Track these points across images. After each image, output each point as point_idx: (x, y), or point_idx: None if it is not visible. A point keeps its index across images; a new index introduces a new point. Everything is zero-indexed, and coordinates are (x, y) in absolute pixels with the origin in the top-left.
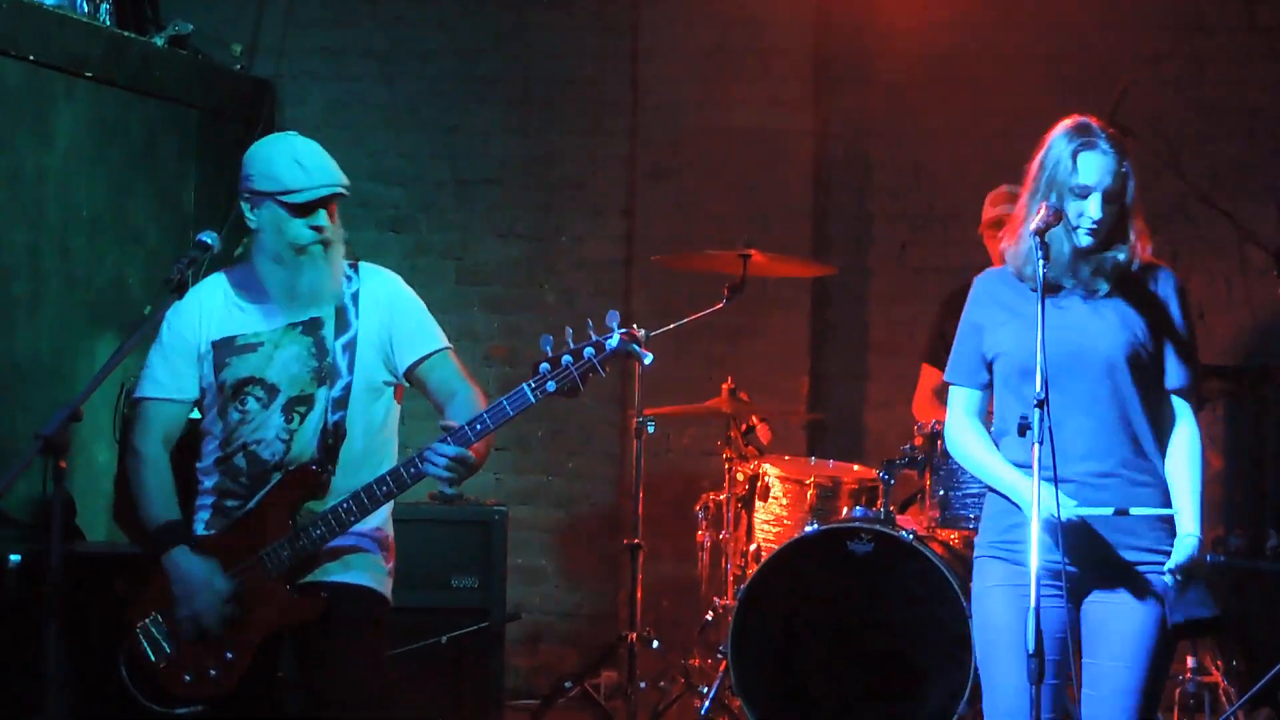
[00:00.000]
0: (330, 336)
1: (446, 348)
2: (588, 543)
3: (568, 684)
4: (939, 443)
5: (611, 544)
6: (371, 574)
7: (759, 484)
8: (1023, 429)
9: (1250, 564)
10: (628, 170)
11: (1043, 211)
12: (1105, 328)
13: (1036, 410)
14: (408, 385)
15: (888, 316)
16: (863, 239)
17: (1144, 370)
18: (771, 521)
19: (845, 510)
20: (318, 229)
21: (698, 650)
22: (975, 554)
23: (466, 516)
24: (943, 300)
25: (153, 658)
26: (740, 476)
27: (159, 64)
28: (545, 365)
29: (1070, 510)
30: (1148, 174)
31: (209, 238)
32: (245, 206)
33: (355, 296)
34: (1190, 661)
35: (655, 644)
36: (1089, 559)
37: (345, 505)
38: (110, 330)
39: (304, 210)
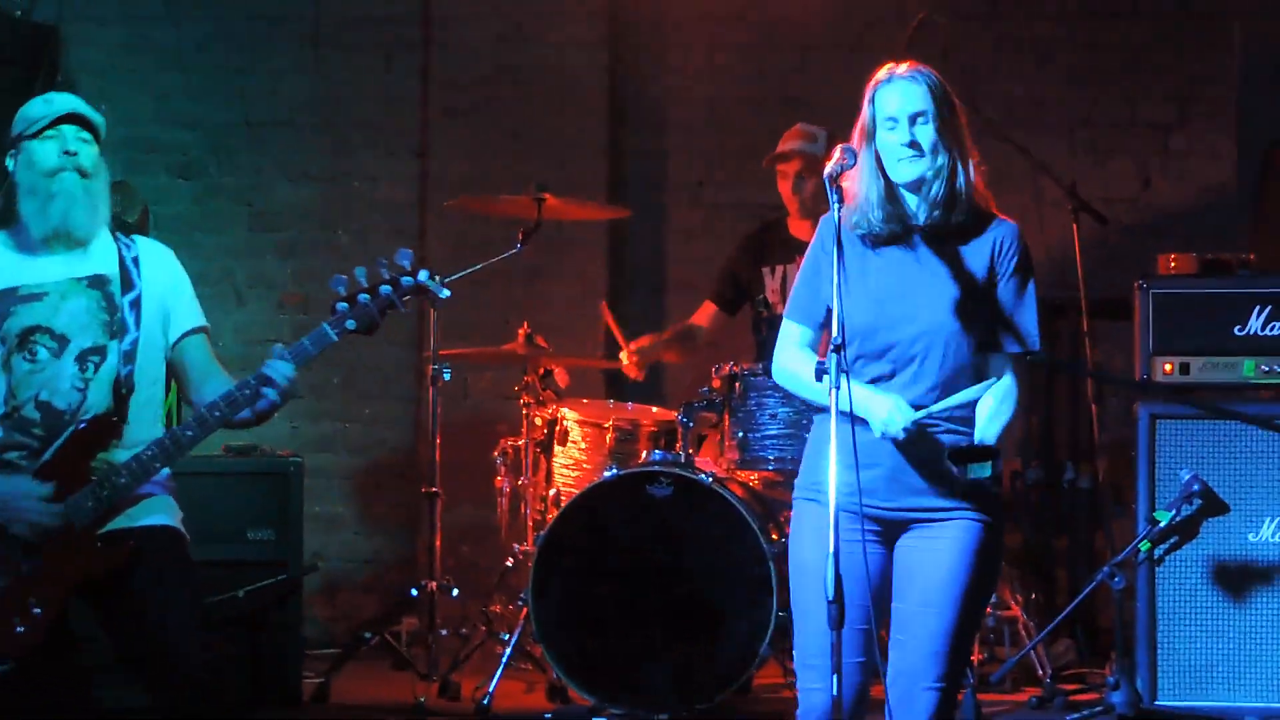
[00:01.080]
0: (117, 293)
1: (207, 326)
2: (386, 489)
3: (368, 635)
4: (736, 384)
5: (410, 490)
6: (169, 514)
7: (557, 428)
8: (819, 374)
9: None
10: (421, 111)
11: (835, 155)
12: (942, 283)
13: (834, 355)
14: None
15: (685, 255)
16: (659, 177)
17: (972, 328)
18: (571, 466)
19: (644, 453)
20: (67, 153)
21: (498, 596)
22: (794, 494)
23: (261, 468)
24: (740, 239)
25: None
26: (538, 421)
27: None
28: (343, 305)
29: (905, 418)
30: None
31: None
32: (9, 163)
33: (136, 260)
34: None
35: (455, 592)
36: (899, 502)
37: (149, 452)
38: None
39: (51, 134)
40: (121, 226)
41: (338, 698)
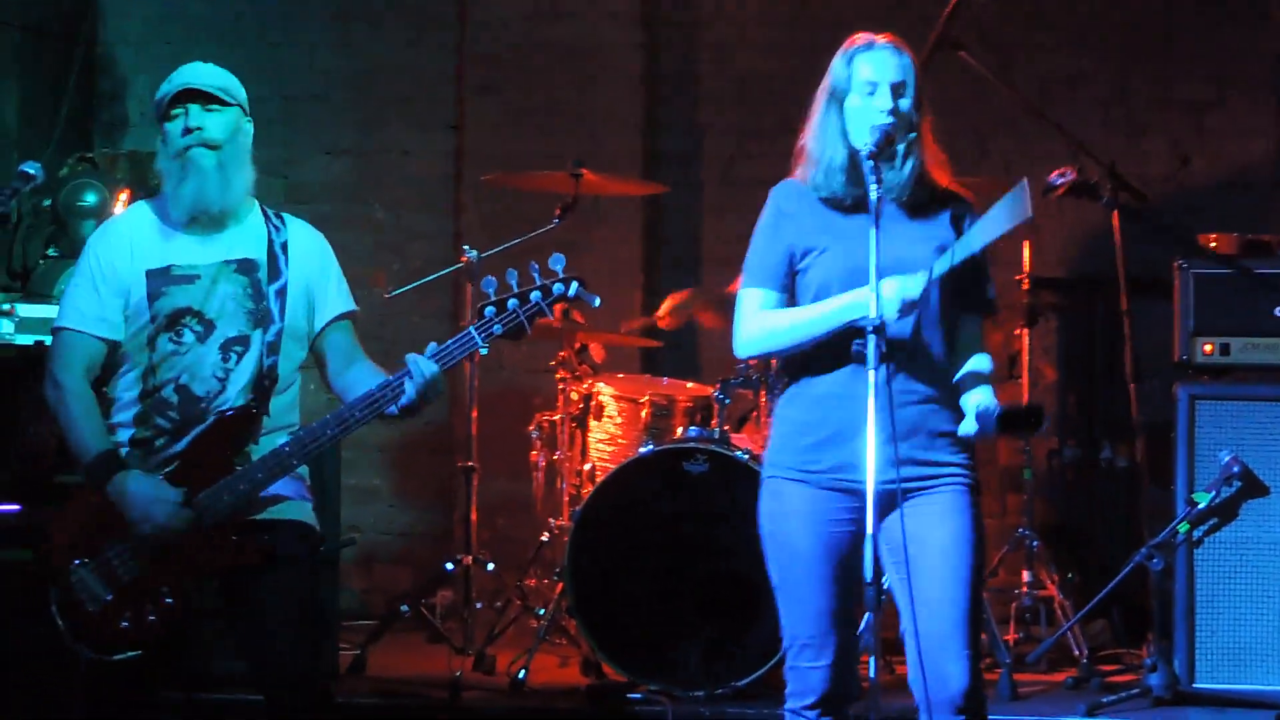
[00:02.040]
0: (264, 280)
1: (357, 311)
2: (421, 462)
3: (403, 608)
4: (773, 361)
5: (445, 463)
6: (303, 511)
7: (593, 403)
8: (859, 356)
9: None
10: (455, 85)
11: (874, 135)
12: (917, 242)
13: (872, 337)
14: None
15: (719, 230)
16: (693, 153)
17: (949, 294)
18: (606, 441)
19: (680, 429)
20: (189, 129)
21: (533, 570)
22: (766, 472)
23: None
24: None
25: (89, 607)
26: (574, 395)
27: None
28: (490, 309)
29: (914, 284)
30: (979, 86)
31: (32, 168)
32: (158, 144)
33: (284, 246)
34: (1026, 575)
35: (491, 566)
36: (888, 474)
37: (288, 449)
38: None
39: (174, 112)
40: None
41: (374, 670)
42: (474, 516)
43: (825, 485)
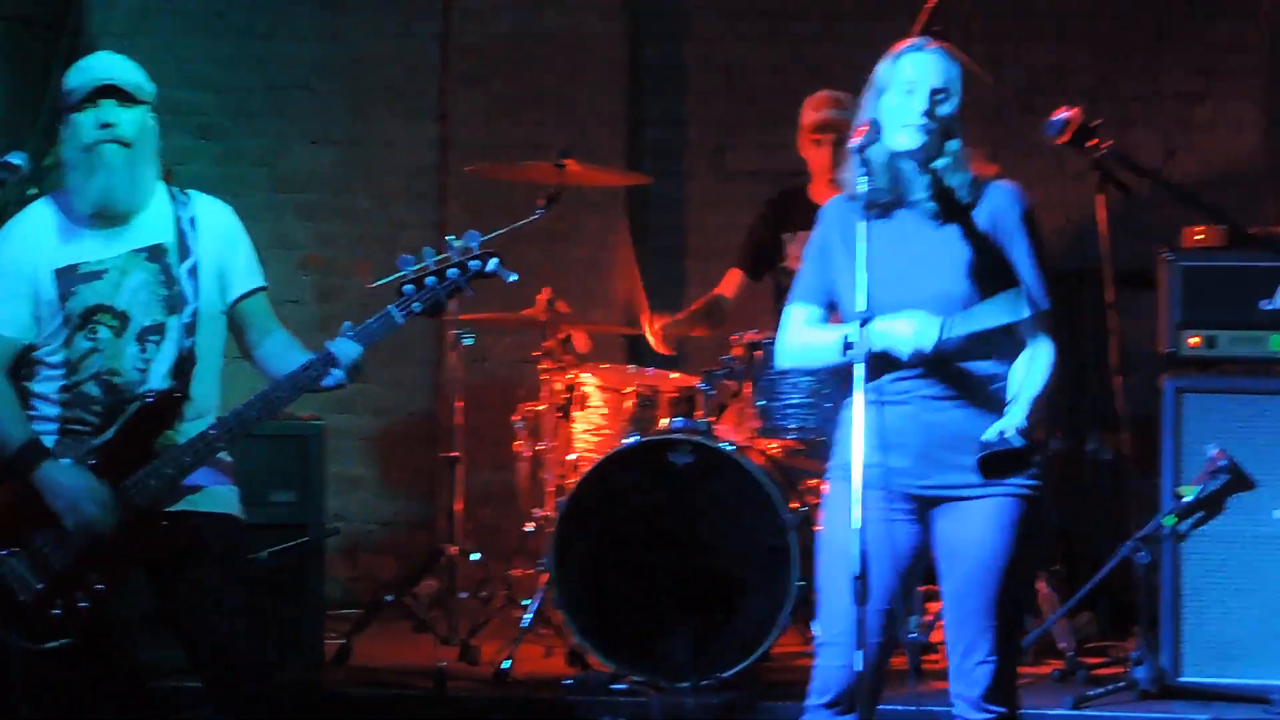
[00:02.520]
0: (175, 263)
1: (266, 286)
2: (405, 452)
3: (388, 597)
4: (758, 352)
5: (429, 452)
6: (228, 501)
7: (577, 393)
8: (845, 347)
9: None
10: (440, 75)
11: (865, 129)
12: (947, 253)
13: (861, 329)
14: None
15: (704, 222)
16: (678, 144)
17: (982, 292)
18: (591, 431)
19: (665, 420)
20: (104, 125)
21: (518, 561)
22: (828, 474)
23: (284, 430)
24: (762, 205)
25: (20, 596)
26: (558, 386)
27: None
28: (409, 287)
29: (934, 332)
30: (964, 79)
31: (17, 159)
32: (63, 133)
33: (192, 222)
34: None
35: (475, 556)
36: (930, 479)
37: (214, 431)
38: None
39: (89, 106)
40: None
41: (359, 660)
42: (458, 507)
43: (873, 486)
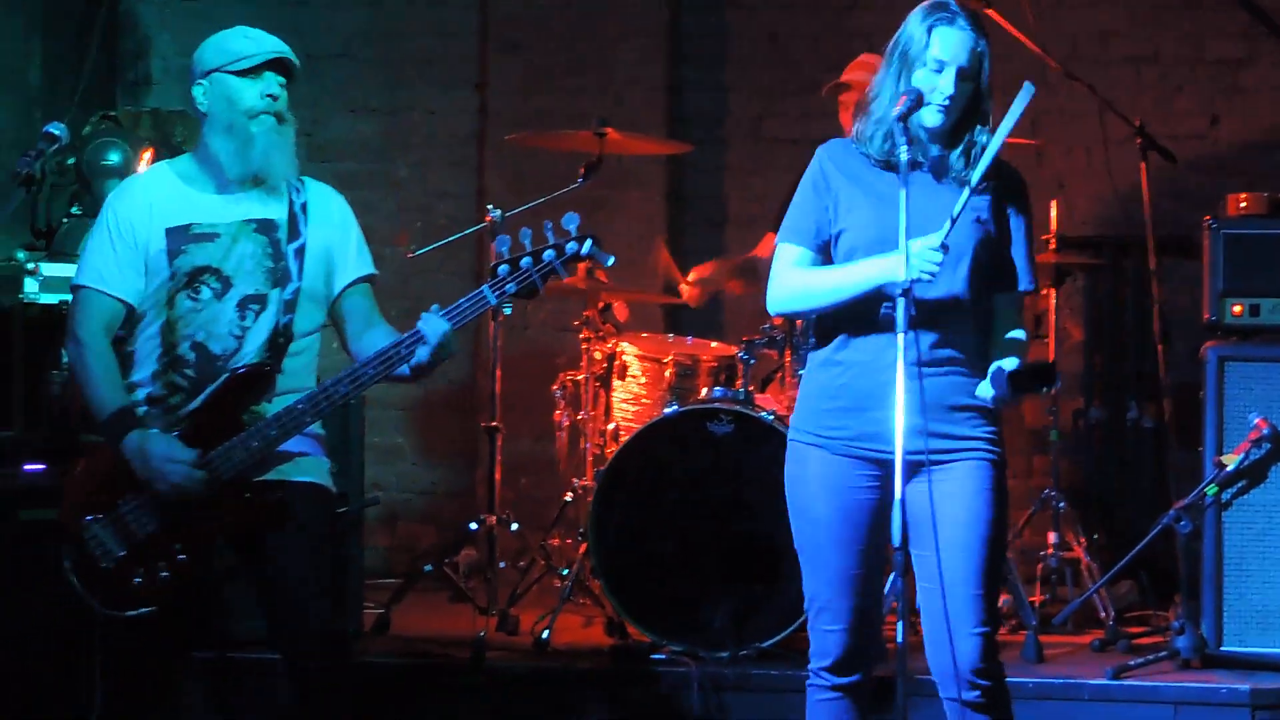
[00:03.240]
0: (284, 240)
1: (376, 275)
2: (444, 421)
3: (427, 567)
4: (798, 322)
5: (468, 421)
6: (319, 472)
7: (616, 363)
8: (884, 320)
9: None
10: (479, 43)
11: (905, 98)
12: (963, 216)
13: (901, 299)
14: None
15: (744, 190)
16: (718, 112)
17: (987, 263)
18: (630, 401)
19: (704, 389)
20: (270, 96)
21: (557, 530)
22: (790, 435)
23: None
24: (799, 174)
25: (103, 563)
26: (598, 355)
27: None
28: (504, 267)
29: (935, 247)
30: (1007, 43)
31: (56, 129)
32: (197, 92)
33: (304, 207)
34: (1052, 537)
35: (515, 526)
36: (908, 445)
37: (301, 405)
38: None
39: (254, 74)
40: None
41: (398, 629)
42: (498, 476)
43: (844, 452)
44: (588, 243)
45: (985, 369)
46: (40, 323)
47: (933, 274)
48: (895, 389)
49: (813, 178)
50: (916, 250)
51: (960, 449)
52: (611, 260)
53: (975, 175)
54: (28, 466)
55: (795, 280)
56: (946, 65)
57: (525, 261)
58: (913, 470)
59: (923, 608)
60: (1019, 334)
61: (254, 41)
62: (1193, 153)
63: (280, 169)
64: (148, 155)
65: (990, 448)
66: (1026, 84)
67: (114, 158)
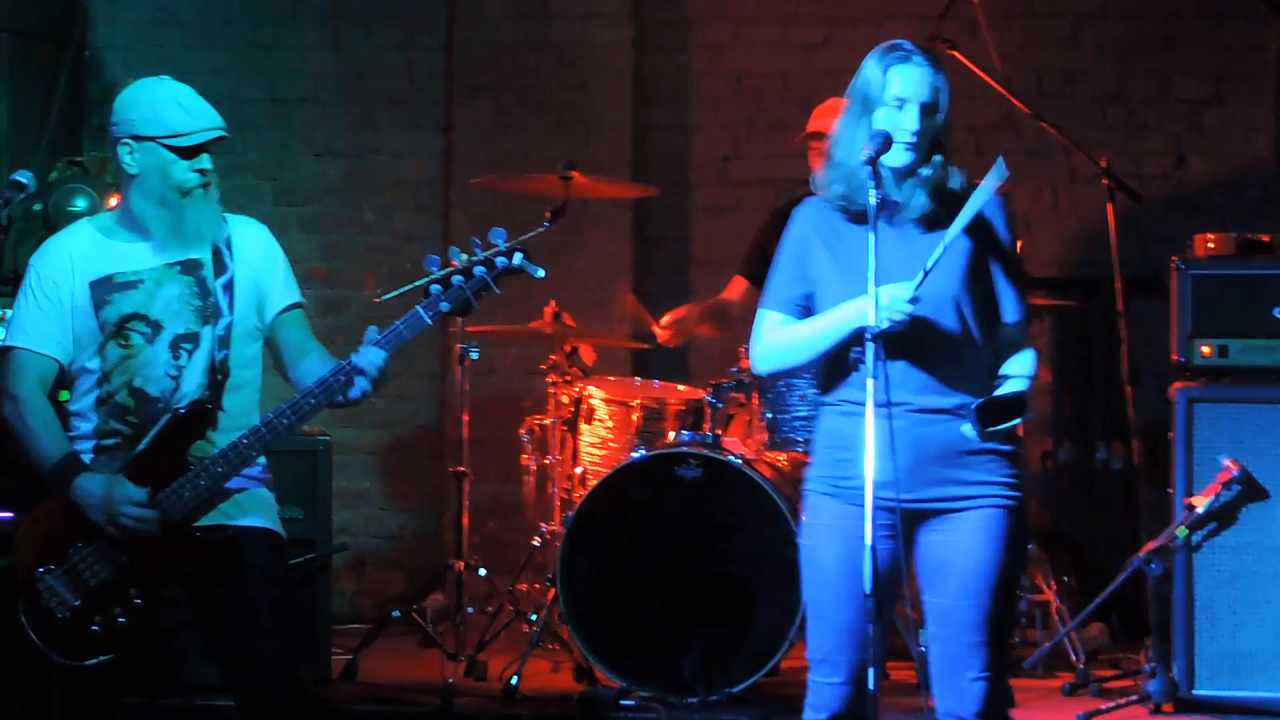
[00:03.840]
0: (210, 277)
1: (303, 303)
2: (411, 465)
3: (395, 613)
4: None
5: (435, 466)
6: (267, 514)
7: (584, 406)
8: (855, 364)
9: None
10: (445, 86)
11: (873, 141)
12: (944, 259)
13: (870, 344)
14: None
15: (711, 231)
16: (684, 152)
17: (978, 301)
18: (598, 444)
19: (672, 433)
20: (202, 171)
21: (525, 575)
22: (805, 486)
23: (290, 446)
24: (769, 213)
25: (59, 614)
26: (565, 399)
27: None
28: (436, 287)
29: (904, 294)
30: (974, 84)
31: (24, 177)
32: (123, 150)
33: (228, 242)
34: (1022, 580)
35: (483, 572)
36: (919, 493)
37: (245, 440)
38: None
39: (189, 153)
40: None
41: (366, 676)
42: (465, 521)
43: (855, 501)
44: (518, 255)
45: None
46: None
47: (900, 322)
48: (908, 437)
49: (791, 242)
50: (885, 299)
51: (974, 495)
52: (541, 272)
53: (948, 236)
54: None
55: (777, 338)
56: (907, 102)
57: (457, 279)
58: (924, 517)
59: (930, 653)
60: (1016, 367)
61: (191, 116)
62: (1160, 192)
63: (209, 235)
64: (114, 201)
65: (1007, 492)
66: (999, 162)
67: (80, 203)
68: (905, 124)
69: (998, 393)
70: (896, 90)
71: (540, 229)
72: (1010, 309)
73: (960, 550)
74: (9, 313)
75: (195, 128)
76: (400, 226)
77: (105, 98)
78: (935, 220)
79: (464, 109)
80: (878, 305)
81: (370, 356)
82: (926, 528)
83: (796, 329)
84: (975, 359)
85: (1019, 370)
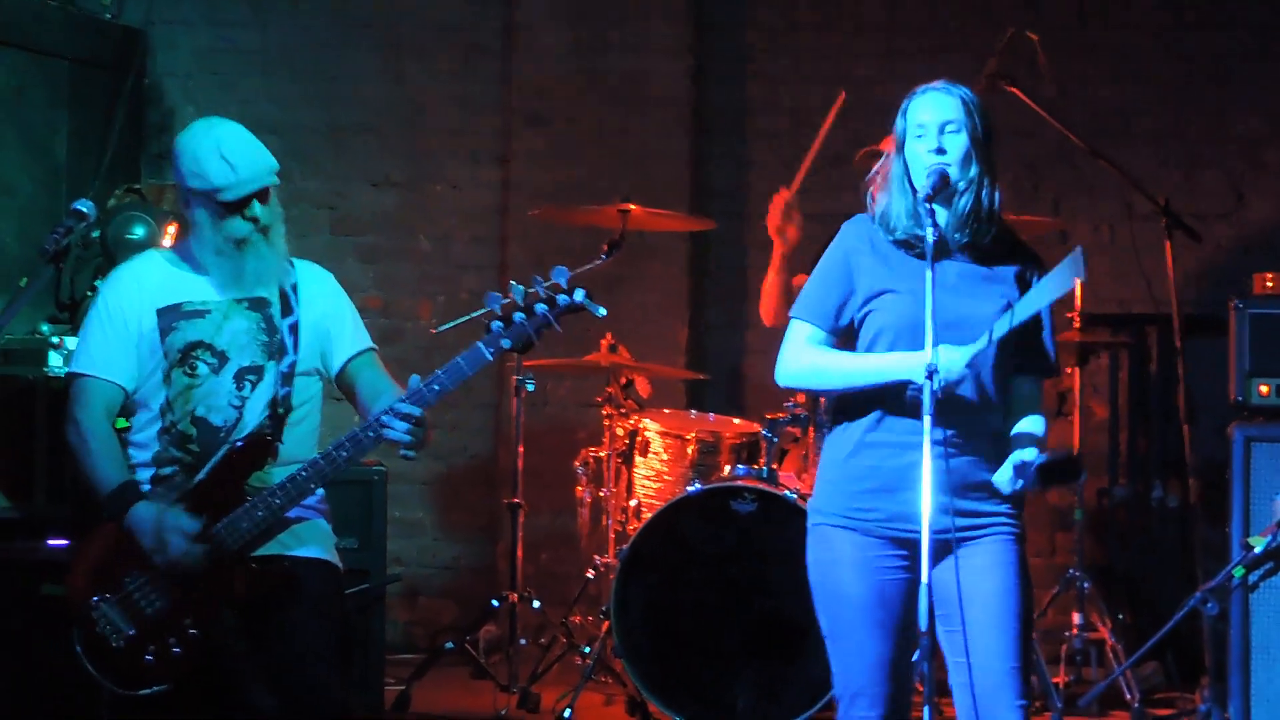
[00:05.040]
0: (276, 315)
1: (375, 348)
2: (466, 496)
3: (448, 644)
4: (822, 399)
5: (489, 497)
6: (325, 545)
7: (639, 439)
8: (911, 401)
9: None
10: (503, 117)
11: (931, 178)
12: (980, 297)
13: (926, 382)
14: (334, 383)
15: (768, 264)
16: (741, 185)
17: (1012, 348)
18: (652, 477)
19: (727, 466)
20: (253, 219)
21: (579, 607)
22: (812, 520)
23: (346, 476)
24: (821, 247)
25: (113, 642)
26: (620, 431)
27: (27, 14)
28: (498, 324)
29: (963, 358)
30: (1032, 120)
31: (85, 206)
32: (180, 200)
33: (294, 287)
34: (1077, 618)
35: (536, 603)
36: (936, 525)
37: (304, 473)
38: None
39: (236, 207)
40: None
41: (419, 706)
42: (519, 552)
43: (877, 534)
44: (579, 293)
45: (1002, 443)
46: (63, 396)
47: (954, 384)
48: (922, 470)
49: (836, 257)
50: (944, 360)
51: (986, 524)
52: (602, 311)
53: (1018, 314)
54: (51, 541)
55: (810, 358)
56: (928, 125)
57: (518, 317)
58: (941, 550)
59: (955, 685)
60: (1037, 420)
61: (233, 169)
62: (1218, 230)
63: (272, 278)
64: (172, 229)
65: (1014, 523)
66: (1079, 254)
67: (139, 231)
68: (926, 145)
69: (1057, 454)
70: (918, 119)
71: (597, 261)
72: (1048, 363)
73: (980, 579)
74: (68, 339)
75: (237, 180)
76: (457, 257)
77: (164, 125)
78: (987, 255)
79: (521, 140)
80: (934, 366)
81: (397, 413)
82: (947, 558)
83: (834, 359)
84: (990, 401)
85: (1032, 428)
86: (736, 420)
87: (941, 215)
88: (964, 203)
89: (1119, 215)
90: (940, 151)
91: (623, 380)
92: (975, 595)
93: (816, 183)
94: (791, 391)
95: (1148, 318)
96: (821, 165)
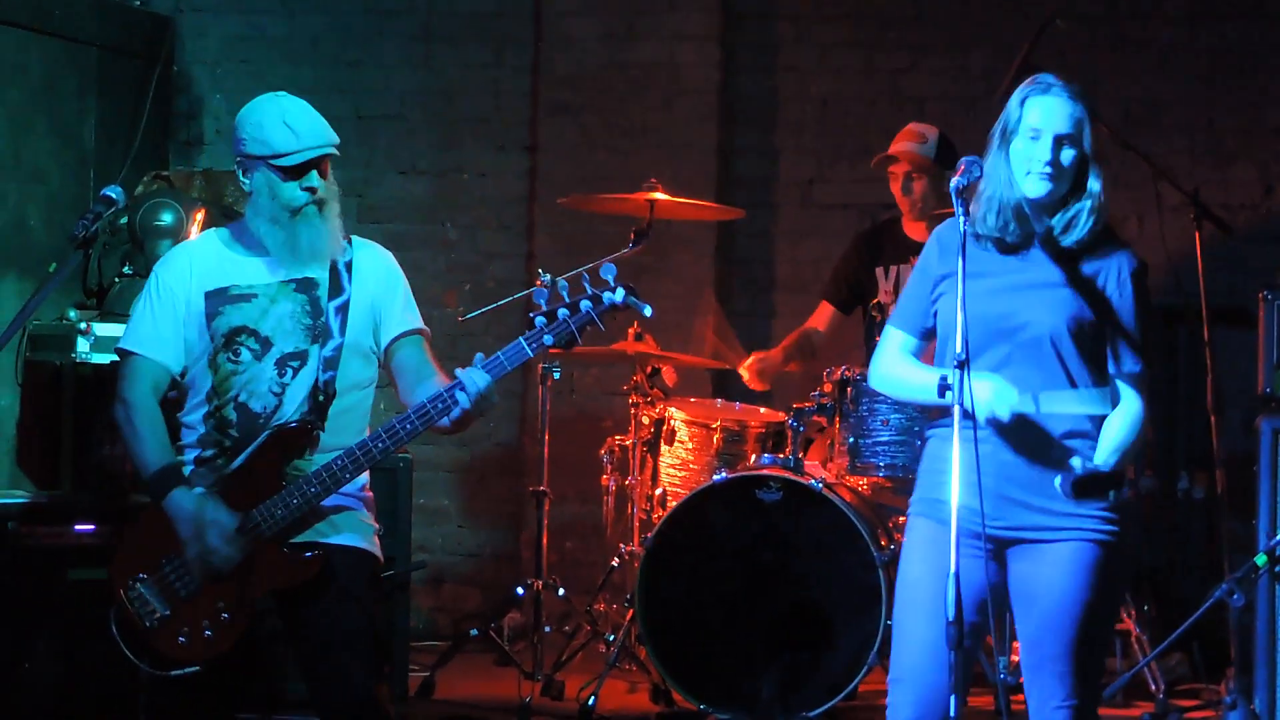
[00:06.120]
0: (324, 297)
1: (425, 330)
2: (490, 483)
3: (473, 631)
4: (849, 389)
5: (514, 484)
6: (361, 534)
7: (665, 427)
8: (942, 390)
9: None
10: (531, 106)
11: (960, 168)
12: (1054, 294)
13: (957, 371)
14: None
15: (794, 254)
16: (769, 175)
17: (1086, 343)
18: (678, 466)
19: (752, 455)
20: (310, 189)
21: (603, 595)
22: (909, 510)
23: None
24: (853, 238)
25: (146, 623)
26: (645, 420)
27: (57, 2)
28: (541, 319)
29: (1010, 401)
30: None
31: (114, 192)
32: (239, 170)
33: (349, 265)
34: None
35: (560, 591)
36: (1006, 520)
37: (340, 462)
38: (12, 271)
39: (295, 173)
40: (233, 216)
41: (443, 693)
42: (544, 540)
43: (943, 519)
44: (622, 292)
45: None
46: (91, 382)
47: (998, 420)
48: (995, 462)
49: (926, 258)
50: (991, 395)
51: (1064, 527)
52: (649, 310)
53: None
54: (78, 526)
55: (895, 370)
56: (1043, 132)
57: (562, 313)
58: (1013, 544)
59: (1024, 680)
60: (1122, 419)
61: (295, 136)
62: (1248, 222)
63: (326, 253)
64: (200, 216)
65: (1100, 526)
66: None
67: (166, 218)
68: (1038, 154)
69: (1099, 466)
70: (1033, 121)
71: (625, 250)
72: (1124, 361)
73: (1047, 581)
74: (96, 325)
75: (298, 147)
76: (484, 245)
77: (192, 113)
78: (1064, 258)
79: (549, 129)
80: (981, 401)
81: (475, 378)
82: (1015, 555)
83: (910, 372)
84: (1073, 386)
85: (1115, 436)
86: (762, 409)
87: (1043, 216)
88: (1080, 220)
89: (1148, 207)
90: (1053, 164)
91: (649, 369)
92: (1038, 597)
93: (840, 173)
94: (817, 381)
95: (1176, 309)
96: (846, 155)
